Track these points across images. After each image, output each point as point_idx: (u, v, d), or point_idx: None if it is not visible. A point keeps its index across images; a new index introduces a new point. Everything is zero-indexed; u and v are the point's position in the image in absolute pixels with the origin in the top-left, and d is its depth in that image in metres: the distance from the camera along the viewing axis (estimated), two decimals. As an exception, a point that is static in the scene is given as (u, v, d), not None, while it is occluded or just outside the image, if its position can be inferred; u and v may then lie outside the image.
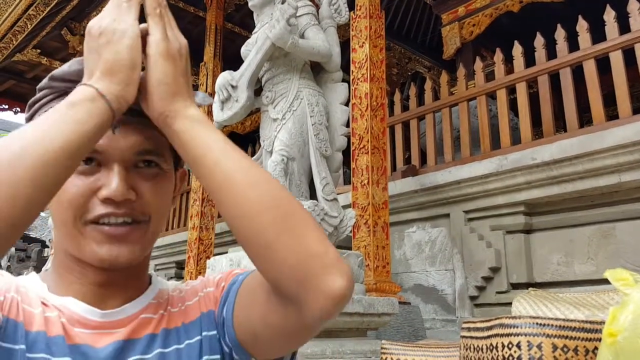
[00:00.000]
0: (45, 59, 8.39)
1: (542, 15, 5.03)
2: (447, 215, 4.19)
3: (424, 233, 4.35)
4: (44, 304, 0.70)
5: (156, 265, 7.31)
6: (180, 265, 6.64)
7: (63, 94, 0.70)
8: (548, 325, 1.62)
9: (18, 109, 9.09)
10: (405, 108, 4.89)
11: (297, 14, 3.01)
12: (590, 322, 1.66)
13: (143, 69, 0.68)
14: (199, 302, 0.77)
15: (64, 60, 8.45)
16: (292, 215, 0.64)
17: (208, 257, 5.20)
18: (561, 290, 3.62)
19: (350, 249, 3.78)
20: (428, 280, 4.27)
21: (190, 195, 5.44)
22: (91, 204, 0.69)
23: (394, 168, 4.73)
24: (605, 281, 3.47)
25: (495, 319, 1.71)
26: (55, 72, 0.74)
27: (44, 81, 0.75)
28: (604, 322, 2.20)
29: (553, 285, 3.66)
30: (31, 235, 12.82)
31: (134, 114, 0.70)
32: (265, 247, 0.62)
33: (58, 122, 0.60)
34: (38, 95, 0.74)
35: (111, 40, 0.64)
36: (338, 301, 0.61)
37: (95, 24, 0.66)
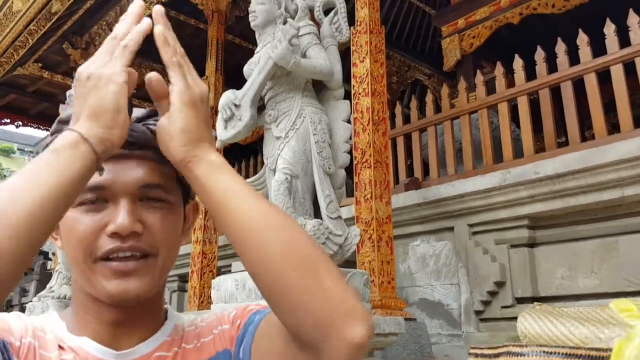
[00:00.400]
0: (47, 72, 8.43)
1: (542, 27, 5.06)
2: (452, 229, 4.19)
3: (429, 246, 4.35)
4: (60, 347, 0.71)
5: (159, 278, 7.30)
6: (183, 279, 6.64)
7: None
8: (555, 353, 1.63)
9: (19, 123, 9.12)
10: (406, 117, 4.90)
11: (299, 34, 3.03)
12: (597, 350, 1.66)
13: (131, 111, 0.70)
14: (214, 340, 0.77)
15: (65, 74, 8.49)
16: (314, 262, 0.64)
17: (212, 271, 5.21)
18: (565, 304, 3.61)
19: (354, 263, 3.78)
20: (433, 295, 4.26)
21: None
22: (100, 240, 0.70)
23: (396, 181, 4.74)
24: (609, 295, 3.48)
25: (503, 346, 1.71)
26: (62, 115, 0.75)
27: (54, 125, 0.76)
28: (610, 349, 2.19)
29: (557, 300, 3.66)
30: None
31: (134, 148, 0.72)
32: (287, 293, 0.63)
33: (41, 171, 0.61)
34: (50, 139, 0.75)
35: (97, 86, 0.66)
36: (358, 349, 0.62)
37: (84, 70, 0.68)
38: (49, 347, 0.71)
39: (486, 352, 1.85)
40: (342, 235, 2.81)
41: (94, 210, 0.71)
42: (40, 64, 8.24)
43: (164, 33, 0.74)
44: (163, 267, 0.74)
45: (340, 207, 4.40)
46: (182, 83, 0.72)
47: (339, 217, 2.90)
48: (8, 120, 8.92)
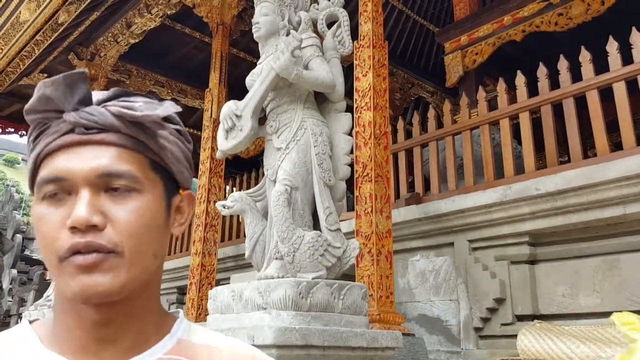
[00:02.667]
0: (52, 83, 8.48)
1: (545, 44, 5.07)
2: (452, 244, 4.16)
3: (428, 262, 4.32)
4: None
5: (158, 290, 7.26)
6: (182, 291, 6.61)
7: (42, 125, 0.68)
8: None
9: (24, 132, 9.15)
10: (408, 133, 4.89)
11: (302, 46, 3.04)
12: (597, 366, 1.62)
13: None
14: None
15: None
16: None
17: (210, 284, 5.17)
18: (567, 322, 3.57)
19: (354, 277, 3.75)
20: (432, 310, 4.22)
21: (194, 221, 5.43)
22: (61, 236, 0.64)
23: (397, 196, 4.72)
24: (610, 314, 3.42)
25: None
26: (26, 106, 0.69)
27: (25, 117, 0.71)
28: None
29: (558, 318, 3.62)
30: (33, 257, 12.79)
31: (93, 132, 0.66)
32: None
33: None
34: (28, 132, 0.71)
35: None
36: None
37: None
38: None
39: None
40: (340, 248, 2.79)
41: (56, 204, 0.66)
42: (45, 75, 8.28)
43: None
44: (135, 265, 0.66)
45: (341, 220, 4.41)
46: None
47: (339, 229, 2.88)
48: (12, 130, 8.95)
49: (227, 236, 6.52)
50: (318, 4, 3.35)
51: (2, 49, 6.64)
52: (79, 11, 6.26)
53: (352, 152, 3.21)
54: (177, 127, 0.74)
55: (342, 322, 2.65)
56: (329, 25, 3.33)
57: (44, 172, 0.67)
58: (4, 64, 7.03)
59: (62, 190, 0.66)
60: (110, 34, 7.58)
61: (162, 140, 0.71)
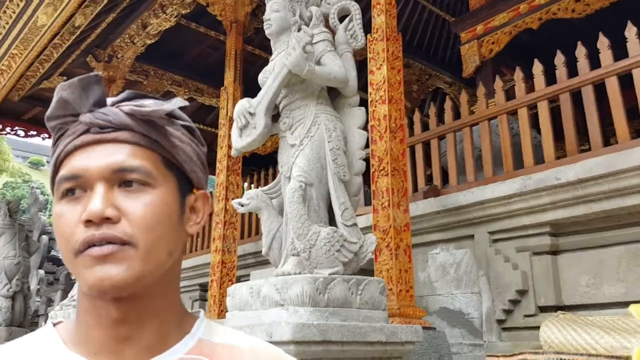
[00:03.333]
0: (72, 86, 8.60)
1: (562, 31, 4.98)
2: (472, 237, 4.12)
3: (448, 255, 4.29)
4: None
5: (180, 287, 7.34)
6: (204, 288, 6.66)
7: (61, 129, 0.71)
8: (573, 362, 1.56)
9: (46, 135, 9.31)
10: (425, 125, 4.84)
11: (313, 41, 3.03)
12: (617, 358, 1.59)
13: None
14: None
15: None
16: None
17: (231, 280, 5.21)
18: (590, 313, 3.52)
19: (372, 272, 3.74)
20: (454, 304, 4.19)
21: (213, 218, 5.47)
22: (78, 231, 0.66)
23: (415, 189, 4.69)
24: (636, 303, 3.35)
25: (519, 353, 1.65)
26: (47, 112, 0.72)
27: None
28: (630, 358, 2.11)
29: (582, 308, 3.56)
30: (59, 258, 13.03)
31: (107, 130, 0.69)
32: None
33: None
34: (52, 139, 0.74)
35: None
36: None
37: None
38: None
39: (502, 359, 1.80)
40: (357, 243, 2.78)
41: (73, 201, 0.68)
42: (65, 78, 8.41)
43: None
44: (148, 258, 0.67)
45: (359, 215, 4.39)
46: None
47: (355, 224, 2.87)
48: (35, 133, 9.10)
49: (247, 233, 6.55)
50: (329, -2, 3.33)
51: (21, 53, 6.74)
52: (95, 14, 6.33)
53: (367, 146, 3.18)
54: (186, 123, 0.76)
55: (360, 317, 2.64)
56: (341, 19, 3.31)
57: (62, 171, 0.70)
58: (23, 68, 7.15)
59: (79, 187, 0.68)
60: (126, 35, 7.65)
61: (174, 139, 0.73)
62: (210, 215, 6.07)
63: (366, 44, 3.26)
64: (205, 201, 0.78)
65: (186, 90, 9.13)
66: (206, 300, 6.42)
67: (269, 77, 3.06)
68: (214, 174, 5.65)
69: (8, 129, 8.77)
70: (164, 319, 0.72)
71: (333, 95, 3.23)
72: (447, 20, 8.72)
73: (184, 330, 0.74)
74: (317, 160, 2.91)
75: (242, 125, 3.09)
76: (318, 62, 3.06)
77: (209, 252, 6.07)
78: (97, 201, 0.65)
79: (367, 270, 3.86)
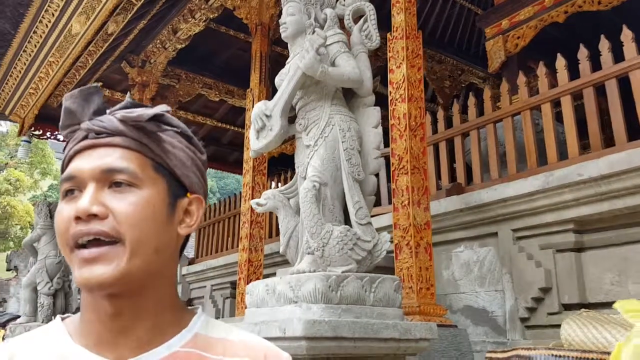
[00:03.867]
0: (107, 90, 8.89)
1: (589, 24, 4.87)
2: (495, 234, 4.09)
3: (472, 253, 4.26)
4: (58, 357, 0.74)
5: (212, 285, 7.50)
6: (235, 285, 6.79)
7: (69, 137, 0.79)
8: (564, 356, 1.57)
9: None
10: (449, 122, 4.80)
11: (328, 43, 3.07)
12: (608, 353, 1.59)
13: None
14: None
15: (124, 91, 8.91)
16: None
17: (258, 278, 5.30)
18: (615, 311, 3.44)
19: (393, 269, 3.76)
20: (477, 302, 4.17)
21: (240, 218, 5.57)
22: (70, 228, 0.73)
23: (439, 186, 4.67)
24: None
25: (513, 349, 1.67)
26: (59, 124, 0.80)
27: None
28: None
29: (607, 306, 3.48)
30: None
31: (102, 136, 0.76)
32: None
33: None
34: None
35: None
36: None
37: None
38: None
39: (499, 355, 1.82)
40: (370, 242, 2.81)
41: (70, 201, 0.75)
42: (100, 83, 8.68)
43: None
44: (133, 254, 0.72)
45: (380, 214, 4.41)
46: None
47: (369, 223, 2.90)
48: (73, 137, 9.41)
49: (275, 232, 6.64)
50: (344, -1, 3.37)
51: (57, 61, 7.00)
52: (126, 21, 6.51)
53: (381, 146, 3.20)
54: (180, 130, 0.82)
55: (374, 314, 2.67)
56: (356, 20, 3.34)
57: (63, 174, 0.78)
58: (60, 76, 7.41)
59: (76, 187, 0.75)
60: (158, 41, 7.86)
61: (166, 145, 0.79)
62: (237, 215, 6.19)
63: (379, 45, 3.26)
64: (199, 205, 0.82)
65: (217, 93, 9.30)
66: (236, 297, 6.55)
67: (284, 80, 3.12)
68: (241, 173, 5.76)
69: (48, 134, 9.12)
70: (160, 314, 0.77)
71: (349, 95, 3.26)
72: (477, 14, 8.62)
73: (181, 325, 0.79)
74: (331, 160, 2.95)
75: (259, 127, 3.16)
76: (333, 63, 3.11)
77: (237, 251, 6.18)
78: (85, 199, 0.72)
79: (388, 268, 3.89)
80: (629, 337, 1.28)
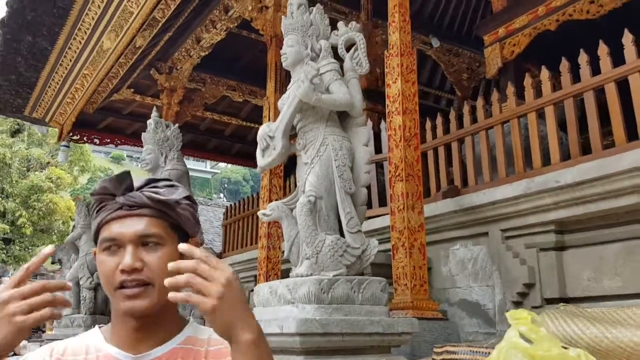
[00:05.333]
0: (138, 96, 9.43)
1: (580, 32, 5.12)
2: (486, 234, 4.45)
3: (467, 251, 4.64)
4: (96, 353, 1.09)
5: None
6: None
7: (101, 202, 1.14)
8: (478, 352, 1.95)
9: (118, 141, 10.25)
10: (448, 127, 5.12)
11: (322, 71, 3.47)
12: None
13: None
14: None
15: (154, 96, 9.44)
16: None
17: (276, 274, 5.77)
18: (592, 305, 3.78)
19: (390, 266, 4.18)
20: (472, 296, 4.55)
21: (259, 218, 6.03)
22: (116, 275, 1.05)
23: (438, 188, 5.04)
24: (632, 296, 3.63)
25: (443, 346, 2.06)
26: (93, 190, 1.17)
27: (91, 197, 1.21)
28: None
29: (584, 300, 3.84)
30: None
31: (134, 209, 1.10)
32: None
33: None
34: (92, 205, 1.19)
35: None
36: None
37: None
38: (78, 353, 1.12)
39: (437, 350, 2.21)
40: (359, 248, 3.23)
41: (111, 254, 1.06)
42: (132, 89, 9.25)
43: (195, 266, 0.92)
44: (161, 292, 1.00)
45: (378, 216, 4.81)
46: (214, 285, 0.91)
47: (359, 231, 3.31)
48: (108, 140, 10.08)
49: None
50: (338, 30, 3.75)
51: (91, 73, 7.57)
52: (152, 35, 7.01)
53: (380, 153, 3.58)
54: (188, 201, 1.18)
55: (362, 312, 3.10)
56: (348, 48, 3.72)
57: (104, 234, 1.08)
58: (95, 85, 7.98)
59: (115, 245, 1.06)
60: (183, 49, 8.34)
61: (179, 210, 1.15)
62: (255, 214, 6.66)
63: (369, 70, 3.64)
64: (196, 244, 1.24)
65: (240, 94, 9.74)
66: (260, 290, 7.05)
67: (285, 105, 3.54)
68: (260, 176, 6.22)
69: (85, 138, 9.77)
70: (166, 326, 1.12)
71: (343, 115, 3.65)
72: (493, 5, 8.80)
73: (179, 330, 1.17)
74: (326, 176, 3.37)
75: (264, 146, 3.59)
76: (327, 89, 3.51)
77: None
78: (129, 257, 1.04)
79: (385, 265, 4.31)
80: (506, 338, 1.66)
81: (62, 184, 19.80)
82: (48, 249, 1.00)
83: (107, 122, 10.08)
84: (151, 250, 1.06)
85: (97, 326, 1.23)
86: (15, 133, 20.64)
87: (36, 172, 20.08)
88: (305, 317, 2.86)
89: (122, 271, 1.04)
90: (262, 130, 3.61)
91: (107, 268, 1.06)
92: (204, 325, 1.20)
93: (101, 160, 42.22)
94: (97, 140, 9.93)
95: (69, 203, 19.41)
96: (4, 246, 20.00)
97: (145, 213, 1.07)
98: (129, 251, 1.05)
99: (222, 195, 53.02)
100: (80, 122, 9.16)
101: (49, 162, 20.36)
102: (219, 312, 0.89)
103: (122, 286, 1.05)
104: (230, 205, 9.96)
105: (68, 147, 9.53)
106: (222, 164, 43.26)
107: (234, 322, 0.90)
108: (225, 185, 55.80)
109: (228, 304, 0.89)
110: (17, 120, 16.64)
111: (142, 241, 1.06)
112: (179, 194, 1.14)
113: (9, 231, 19.40)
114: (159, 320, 1.10)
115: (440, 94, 11.50)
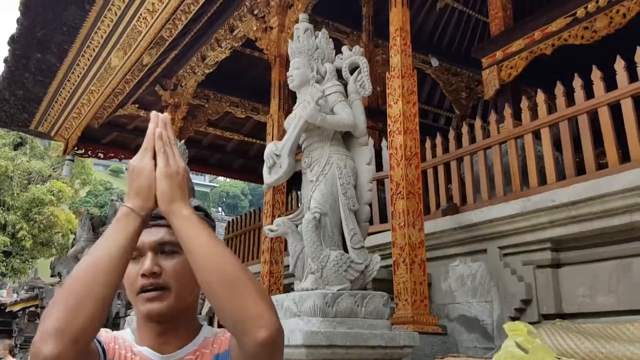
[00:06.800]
0: (143, 111, 9.57)
1: (576, 56, 5.29)
2: (485, 251, 4.58)
3: (466, 267, 4.76)
4: (132, 351, 1.17)
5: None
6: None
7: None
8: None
9: (122, 156, 10.39)
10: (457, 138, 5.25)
11: (327, 93, 3.62)
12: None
13: None
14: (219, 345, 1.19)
15: (158, 112, 9.61)
16: (235, 281, 0.97)
17: (279, 289, 5.88)
18: (587, 320, 3.90)
19: (391, 282, 4.29)
20: (471, 311, 4.66)
21: (261, 232, 6.16)
22: (137, 280, 1.13)
23: (438, 206, 5.17)
24: (626, 312, 3.76)
25: (444, 357, 2.17)
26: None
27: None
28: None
29: (579, 316, 3.96)
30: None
31: (155, 220, 1.15)
32: (216, 300, 0.98)
33: (110, 233, 1.03)
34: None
35: (137, 174, 1.07)
36: (263, 346, 0.96)
37: (130, 164, 1.10)
38: (126, 350, 1.16)
39: (438, 362, 2.32)
40: (362, 264, 3.35)
41: (135, 262, 1.14)
42: (137, 105, 9.40)
43: (160, 132, 1.10)
44: (179, 296, 1.13)
45: (380, 232, 4.94)
46: (162, 164, 1.07)
47: (362, 247, 3.44)
48: (112, 155, 10.21)
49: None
50: (342, 54, 3.91)
51: (98, 89, 7.73)
52: (159, 53, 7.19)
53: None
54: (201, 213, 1.28)
55: (365, 325, 3.21)
56: (352, 71, 3.88)
57: None
58: (101, 101, 8.14)
59: (138, 254, 1.14)
60: (188, 67, 8.52)
61: None
62: (260, 228, 6.78)
63: (372, 92, 3.79)
64: None
65: (243, 110, 9.91)
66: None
67: (291, 125, 3.68)
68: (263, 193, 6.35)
69: (90, 152, 9.91)
70: (186, 329, 1.21)
71: (347, 135, 3.80)
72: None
73: (195, 333, 1.27)
74: (330, 194, 3.50)
75: (271, 164, 3.72)
76: (332, 111, 3.65)
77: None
78: (148, 263, 1.13)
79: (387, 280, 4.42)
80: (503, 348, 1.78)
81: (63, 197, 19.93)
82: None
83: (112, 137, 10.23)
84: (168, 257, 1.16)
85: (128, 327, 1.36)
86: (17, 146, 20.82)
87: (37, 185, 20.21)
88: (311, 329, 2.98)
89: (142, 275, 1.13)
90: (269, 148, 3.75)
91: (130, 275, 1.14)
92: (209, 325, 1.32)
93: (100, 173, 42.38)
94: (101, 155, 10.08)
95: (69, 216, 19.52)
96: (4, 259, 20.07)
97: (163, 224, 1.14)
98: (148, 257, 1.14)
99: (220, 209, 53.14)
100: (85, 137, 9.30)
101: (50, 175, 20.50)
102: (172, 180, 1.04)
103: (142, 290, 1.14)
104: (232, 219, 10.08)
105: (72, 160, 9.67)
106: (220, 178, 43.37)
107: (174, 198, 1.04)
108: (224, 199, 55.92)
109: (177, 181, 1.05)
110: (20, 133, 16.78)
111: (161, 249, 1.16)
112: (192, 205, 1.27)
113: (9, 244, 19.48)
114: (178, 324, 1.19)
115: (439, 112, 11.69)
